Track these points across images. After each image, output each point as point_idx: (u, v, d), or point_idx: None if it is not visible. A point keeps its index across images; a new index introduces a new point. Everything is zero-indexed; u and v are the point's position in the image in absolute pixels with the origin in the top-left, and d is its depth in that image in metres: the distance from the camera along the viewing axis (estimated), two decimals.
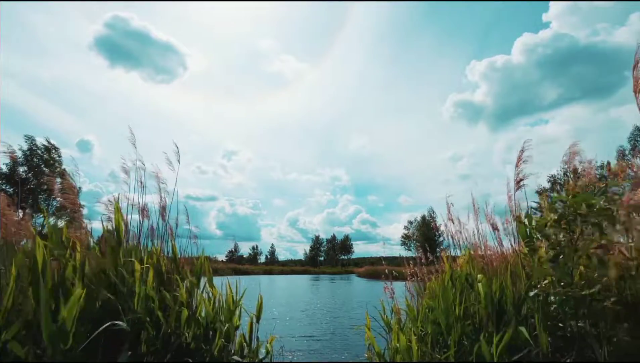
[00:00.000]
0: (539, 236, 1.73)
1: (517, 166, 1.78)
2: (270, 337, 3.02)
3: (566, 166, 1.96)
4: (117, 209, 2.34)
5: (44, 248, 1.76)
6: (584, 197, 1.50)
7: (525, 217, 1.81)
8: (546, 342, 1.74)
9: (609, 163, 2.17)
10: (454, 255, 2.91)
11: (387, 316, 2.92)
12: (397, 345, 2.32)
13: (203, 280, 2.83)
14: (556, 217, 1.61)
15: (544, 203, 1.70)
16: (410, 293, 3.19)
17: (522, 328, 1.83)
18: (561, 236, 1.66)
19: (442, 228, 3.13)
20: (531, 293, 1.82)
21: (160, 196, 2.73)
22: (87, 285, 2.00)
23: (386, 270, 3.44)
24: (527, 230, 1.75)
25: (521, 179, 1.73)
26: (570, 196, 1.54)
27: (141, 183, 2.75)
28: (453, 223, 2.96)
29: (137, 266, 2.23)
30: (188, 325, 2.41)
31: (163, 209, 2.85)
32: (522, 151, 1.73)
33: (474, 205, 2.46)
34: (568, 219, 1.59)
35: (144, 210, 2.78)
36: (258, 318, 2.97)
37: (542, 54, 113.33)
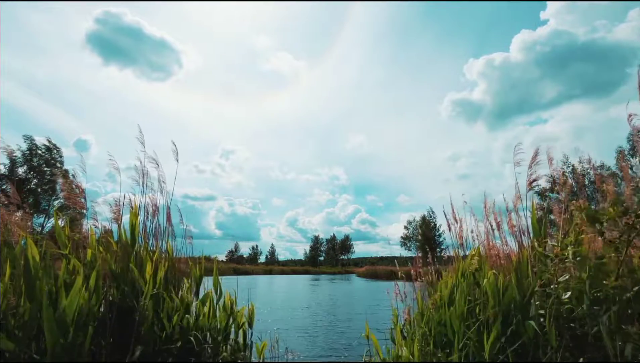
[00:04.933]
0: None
1: (530, 167, 1.81)
2: (263, 342, 3.11)
3: (562, 167, 2.00)
4: (135, 213, 2.37)
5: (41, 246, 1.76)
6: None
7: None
8: (554, 338, 1.75)
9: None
10: (458, 255, 2.92)
11: (397, 320, 2.95)
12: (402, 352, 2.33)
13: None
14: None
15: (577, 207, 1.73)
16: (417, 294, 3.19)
17: (532, 322, 1.83)
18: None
19: (444, 227, 3.14)
20: (539, 290, 1.84)
21: (163, 196, 2.75)
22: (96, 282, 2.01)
23: (400, 273, 3.44)
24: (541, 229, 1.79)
25: (534, 180, 1.77)
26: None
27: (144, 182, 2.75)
28: (457, 222, 2.97)
29: (149, 268, 2.25)
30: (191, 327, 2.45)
31: (157, 208, 2.83)
32: (536, 153, 1.77)
33: (489, 204, 2.49)
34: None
35: (151, 210, 2.79)
36: (250, 324, 3.11)
37: (541, 51, 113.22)
